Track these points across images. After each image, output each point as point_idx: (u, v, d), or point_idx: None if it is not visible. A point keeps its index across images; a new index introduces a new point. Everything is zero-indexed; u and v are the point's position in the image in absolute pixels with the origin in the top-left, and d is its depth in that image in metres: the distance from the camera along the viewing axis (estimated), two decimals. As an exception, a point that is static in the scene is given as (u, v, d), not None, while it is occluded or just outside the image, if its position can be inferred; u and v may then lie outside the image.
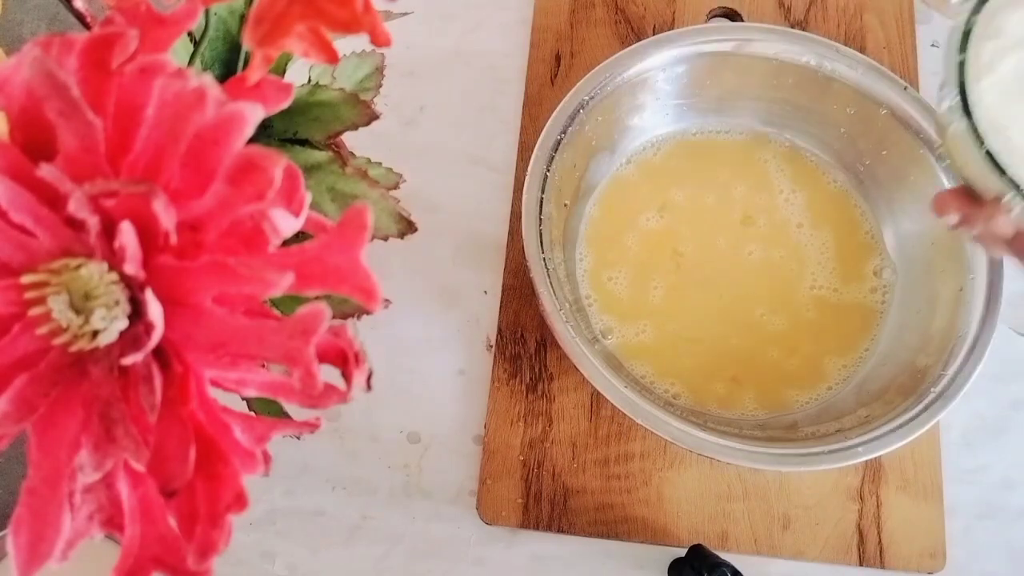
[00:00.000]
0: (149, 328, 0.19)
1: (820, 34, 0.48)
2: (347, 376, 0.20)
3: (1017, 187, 0.30)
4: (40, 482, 0.19)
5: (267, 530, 0.45)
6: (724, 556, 0.41)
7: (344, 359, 0.20)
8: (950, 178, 0.43)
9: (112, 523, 0.20)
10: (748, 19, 0.54)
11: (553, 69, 0.52)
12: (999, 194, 0.31)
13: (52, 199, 0.19)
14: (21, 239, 0.19)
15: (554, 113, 0.44)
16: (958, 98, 0.31)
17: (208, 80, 0.18)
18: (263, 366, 0.21)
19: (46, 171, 0.18)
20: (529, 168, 0.43)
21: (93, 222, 0.19)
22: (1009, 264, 0.41)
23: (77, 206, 0.18)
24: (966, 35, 0.31)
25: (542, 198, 0.42)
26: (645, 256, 0.48)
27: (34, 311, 0.20)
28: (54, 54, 0.20)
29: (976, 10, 0.31)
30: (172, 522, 0.20)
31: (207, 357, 0.19)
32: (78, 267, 0.19)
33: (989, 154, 0.30)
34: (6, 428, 0.19)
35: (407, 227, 0.34)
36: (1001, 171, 0.30)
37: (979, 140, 0.30)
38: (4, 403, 0.19)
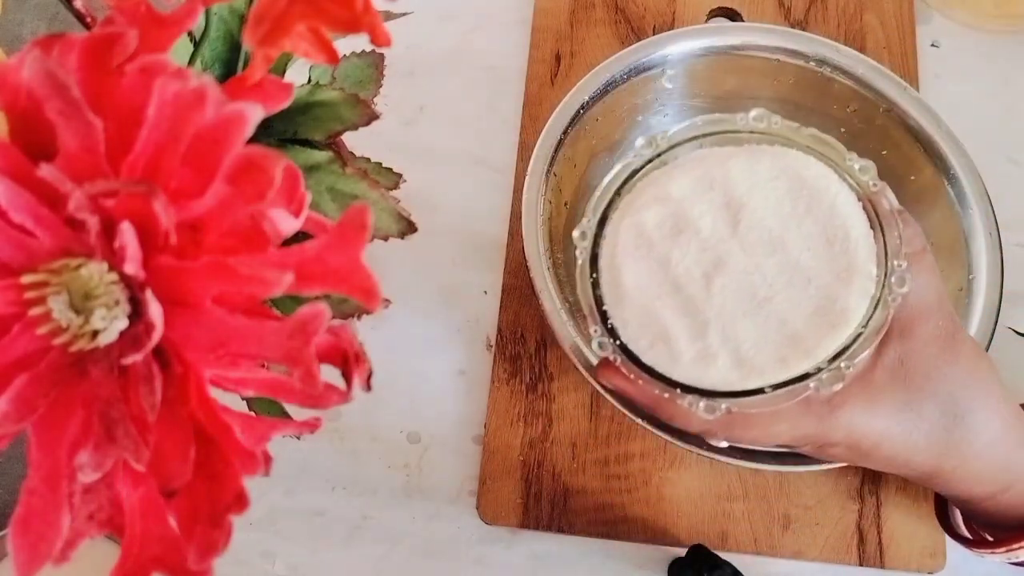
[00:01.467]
0: (149, 328, 0.19)
1: (820, 34, 0.48)
2: (347, 376, 0.20)
3: (605, 321, 0.30)
4: (40, 482, 0.19)
5: (267, 530, 0.45)
6: (724, 556, 0.41)
7: (344, 359, 0.20)
8: (950, 176, 0.43)
9: (112, 523, 0.20)
10: (748, 19, 0.54)
11: (553, 69, 0.52)
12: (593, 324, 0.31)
13: (52, 199, 0.19)
14: (21, 239, 0.19)
15: (554, 113, 0.44)
16: (595, 223, 0.32)
17: (208, 80, 0.18)
18: (263, 366, 0.21)
19: (46, 171, 0.18)
20: (529, 168, 0.43)
21: (93, 222, 0.19)
22: (1009, 265, 0.41)
23: (77, 206, 0.18)
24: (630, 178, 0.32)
25: (542, 198, 0.42)
26: (645, 256, 0.48)
27: (34, 311, 0.20)
28: (54, 54, 0.20)
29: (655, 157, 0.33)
30: (172, 522, 0.20)
31: (207, 357, 0.19)
32: (78, 267, 0.19)
33: (594, 279, 0.30)
34: (6, 428, 0.19)
35: (407, 227, 0.34)
36: (598, 302, 0.30)
37: (592, 268, 0.31)
38: (4, 403, 0.19)
